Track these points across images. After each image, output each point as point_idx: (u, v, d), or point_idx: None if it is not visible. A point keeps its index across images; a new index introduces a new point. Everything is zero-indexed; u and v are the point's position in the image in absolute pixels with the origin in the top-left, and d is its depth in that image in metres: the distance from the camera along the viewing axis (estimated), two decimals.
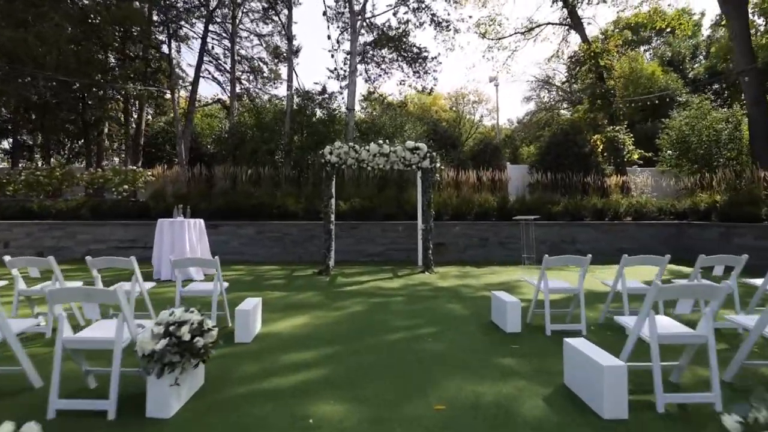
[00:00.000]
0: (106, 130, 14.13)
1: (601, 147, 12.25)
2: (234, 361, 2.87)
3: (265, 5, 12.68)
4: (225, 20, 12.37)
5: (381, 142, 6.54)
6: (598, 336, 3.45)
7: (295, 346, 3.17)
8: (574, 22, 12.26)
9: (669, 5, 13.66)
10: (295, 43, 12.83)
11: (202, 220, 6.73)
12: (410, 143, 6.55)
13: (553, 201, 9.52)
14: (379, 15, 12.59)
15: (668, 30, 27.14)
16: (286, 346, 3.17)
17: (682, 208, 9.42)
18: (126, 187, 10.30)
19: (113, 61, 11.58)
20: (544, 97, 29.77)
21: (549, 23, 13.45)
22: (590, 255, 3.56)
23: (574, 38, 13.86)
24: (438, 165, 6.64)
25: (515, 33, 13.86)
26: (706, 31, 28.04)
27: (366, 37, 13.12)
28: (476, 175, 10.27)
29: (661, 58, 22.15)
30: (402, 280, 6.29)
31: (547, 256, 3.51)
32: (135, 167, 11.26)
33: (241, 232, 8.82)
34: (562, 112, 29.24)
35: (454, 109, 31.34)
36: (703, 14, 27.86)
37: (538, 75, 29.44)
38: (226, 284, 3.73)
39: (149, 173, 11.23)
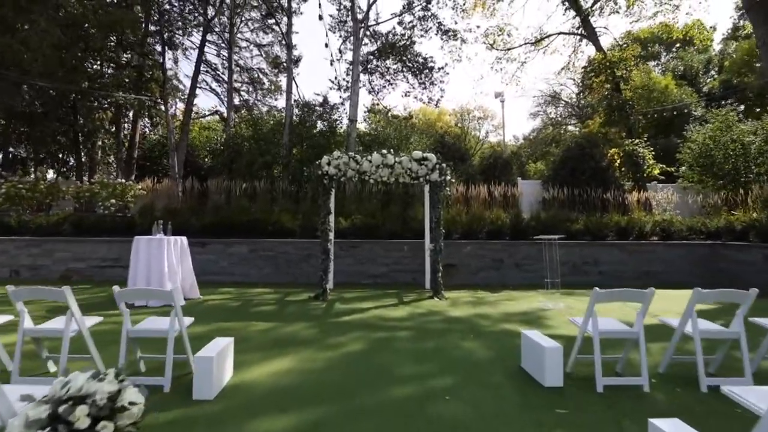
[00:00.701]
0: (99, 143, 13.73)
1: (618, 161, 11.59)
2: (184, 430, 2.14)
3: (264, 13, 12.41)
4: (224, 30, 12.10)
5: (385, 152, 5.91)
6: (667, 394, 2.68)
7: (270, 407, 2.44)
8: (588, 32, 11.84)
9: (687, 13, 13.23)
10: (295, 52, 12.51)
11: (184, 238, 6.07)
12: (417, 153, 5.92)
13: (571, 218, 8.79)
14: (383, 23, 12.31)
15: (678, 45, 26.91)
16: (258, 407, 2.44)
17: (714, 227, 8.64)
18: (114, 201, 9.73)
19: (103, 68, 11.21)
20: (551, 113, 29.46)
21: (561, 33, 13.06)
22: (652, 288, 2.82)
23: (587, 49, 13.49)
24: (448, 178, 5.99)
25: (525, 43, 13.47)
26: (717, 46, 27.80)
27: (370, 47, 12.77)
28: (487, 191, 9.60)
29: (672, 72, 21.72)
30: (408, 308, 5.54)
31: (596, 289, 2.78)
32: (125, 180, 10.73)
33: (232, 250, 8.15)
34: (569, 128, 28.86)
35: (459, 125, 31.06)
36: (714, 28, 27.65)
37: (545, 90, 29.25)
38: (189, 320, 3.01)
39: (139, 187, 10.71)
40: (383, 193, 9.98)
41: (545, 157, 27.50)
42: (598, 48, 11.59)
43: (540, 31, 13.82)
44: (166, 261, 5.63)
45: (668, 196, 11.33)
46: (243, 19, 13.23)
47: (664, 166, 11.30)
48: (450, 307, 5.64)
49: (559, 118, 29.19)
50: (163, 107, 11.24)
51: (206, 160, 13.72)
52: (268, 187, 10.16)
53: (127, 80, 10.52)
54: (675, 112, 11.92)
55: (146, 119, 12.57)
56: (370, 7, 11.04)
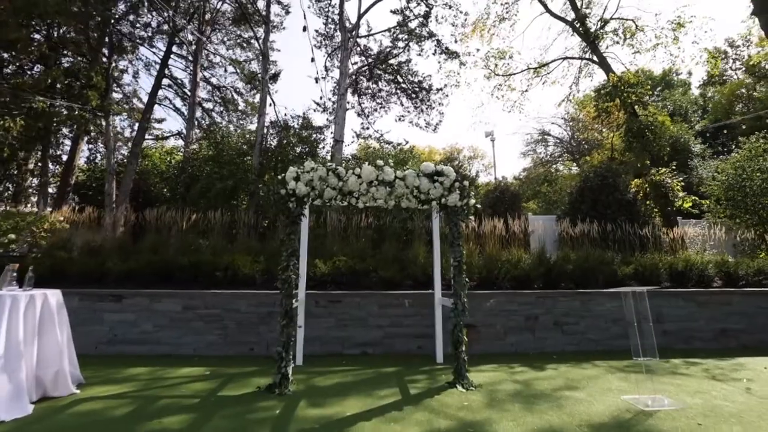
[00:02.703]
0: (31, 165, 11.46)
1: (641, 193, 10.10)
2: None
3: (236, 15, 10.95)
4: (191, 43, 10.55)
5: (381, 162, 3.99)
6: None
7: None
8: (597, 56, 10.88)
9: (693, 42, 12.61)
10: (272, 68, 10.93)
11: (58, 293, 3.80)
12: (428, 165, 4.02)
13: (613, 260, 6.91)
14: (375, 34, 11.09)
15: (660, 88, 27.40)
16: None
17: None
18: (13, 236, 7.33)
19: (23, 65, 9.22)
20: (540, 152, 29.08)
21: (566, 58, 12.15)
22: None
23: (592, 78, 12.61)
24: (472, 202, 4.05)
25: (527, 68, 12.45)
26: (696, 90, 28.56)
27: (360, 64, 11.37)
28: (505, 226, 7.74)
29: (663, 110, 21.56)
30: (420, 412, 3.33)
31: None
32: (43, 211, 8.40)
33: (160, 307, 5.81)
34: (560, 167, 28.35)
35: (448, 165, 30.26)
36: (690, 73, 28.55)
37: (537, 127, 29.03)
38: None
39: (61, 218, 8.39)
40: (375, 229, 7.97)
41: (537, 197, 26.49)
42: (609, 72, 10.58)
43: (541, 58, 12.95)
44: (21, 333, 3.32)
45: (700, 231, 9.78)
46: (214, 26, 11.75)
47: (696, 198, 9.88)
48: (487, 407, 3.47)
49: (549, 157, 28.76)
50: (104, 121, 9.20)
51: (164, 190, 11.51)
52: (228, 220, 8.01)
53: (58, 85, 8.58)
54: (670, 148, 10.91)
55: (69, 128, 10.37)
56: (360, 16, 9.74)
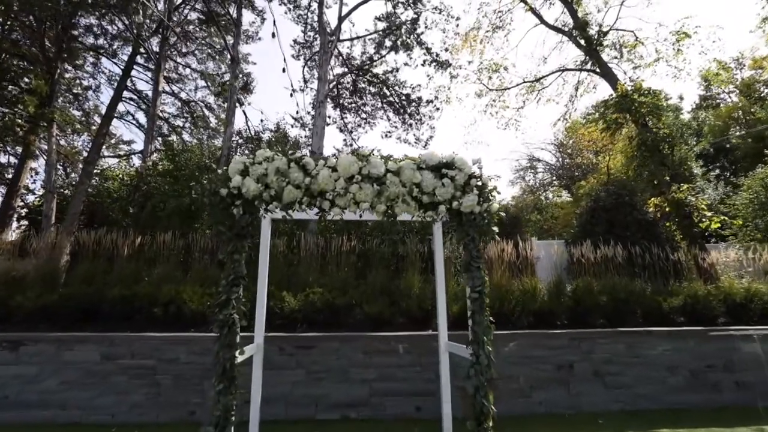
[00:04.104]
0: None
1: (660, 213, 9.19)
2: None
3: (203, 17, 10.12)
4: (156, 54, 9.58)
5: (366, 149, 2.89)
6: None
7: None
8: (601, 68, 10.34)
9: (700, 53, 12.22)
10: (245, 78, 10.02)
11: None
12: (432, 154, 2.92)
13: (643, 290, 5.78)
14: (358, 38, 10.37)
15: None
16: None
17: None
18: None
19: None
20: (529, 179, 28.82)
21: (565, 69, 11.59)
22: None
23: (584, 100, 12.08)
24: (496, 207, 2.93)
25: (523, 81, 11.84)
26: (687, 114, 28.98)
27: (342, 71, 10.58)
28: (515, 251, 6.62)
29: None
30: None
31: None
32: None
33: (70, 356, 4.44)
34: (549, 195, 27.98)
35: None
36: (681, 98, 29.02)
37: (527, 153, 28.89)
38: None
39: None
40: (358, 254, 6.76)
41: (527, 225, 25.87)
42: (615, 81, 10.01)
43: (537, 71, 12.44)
44: None
45: (729, 255, 8.82)
46: (184, 35, 10.90)
47: (725, 218, 9.00)
48: None
49: (539, 184, 28.51)
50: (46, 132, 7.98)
51: (113, 211, 10.16)
52: (181, 244, 6.71)
53: None
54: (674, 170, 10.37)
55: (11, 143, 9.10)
56: (341, 19, 8.98)
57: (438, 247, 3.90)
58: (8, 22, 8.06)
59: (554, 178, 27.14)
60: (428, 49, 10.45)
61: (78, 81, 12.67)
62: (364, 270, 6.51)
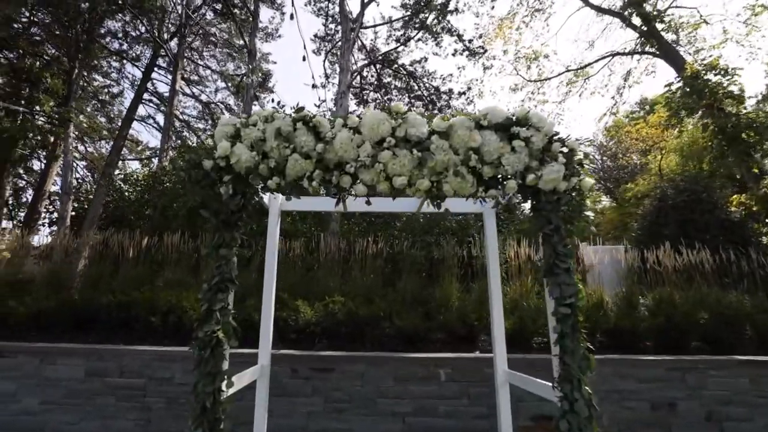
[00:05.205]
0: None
1: (744, 212, 7.84)
2: None
3: (219, 11, 9.77)
4: (175, 56, 9.33)
5: (403, 108, 2.07)
6: None
7: None
8: (661, 48, 9.07)
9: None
10: (263, 77, 9.58)
11: None
12: (497, 109, 2.09)
13: (746, 307, 4.60)
14: (382, 24, 9.69)
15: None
16: None
17: None
18: None
19: None
20: None
21: (615, 54, 10.30)
22: None
23: (634, 92, 10.78)
24: (591, 182, 2.05)
25: (567, 70, 10.75)
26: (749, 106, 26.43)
27: (365, 62, 9.96)
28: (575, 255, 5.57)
29: None
30: None
31: None
32: None
33: (52, 372, 3.87)
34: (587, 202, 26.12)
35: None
36: (742, 90, 26.54)
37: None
38: None
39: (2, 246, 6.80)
40: (386, 258, 5.96)
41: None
42: (679, 62, 8.74)
43: (581, 60, 11.31)
44: None
45: None
46: (205, 38, 10.70)
47: None
48: None
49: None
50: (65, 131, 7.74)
51: (131, 212, 9.93)
52: (190, 246, 6.15)
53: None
54: None
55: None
56: (365, 5, 8.32)
57: (491, 243, 3.02)
58: (25, 20, 8.00)
59: (595, 181, 25.32)
60: (459, 36, 9.64)
61: (107, 89, 12.82)
62: (392, 276, 5.70)
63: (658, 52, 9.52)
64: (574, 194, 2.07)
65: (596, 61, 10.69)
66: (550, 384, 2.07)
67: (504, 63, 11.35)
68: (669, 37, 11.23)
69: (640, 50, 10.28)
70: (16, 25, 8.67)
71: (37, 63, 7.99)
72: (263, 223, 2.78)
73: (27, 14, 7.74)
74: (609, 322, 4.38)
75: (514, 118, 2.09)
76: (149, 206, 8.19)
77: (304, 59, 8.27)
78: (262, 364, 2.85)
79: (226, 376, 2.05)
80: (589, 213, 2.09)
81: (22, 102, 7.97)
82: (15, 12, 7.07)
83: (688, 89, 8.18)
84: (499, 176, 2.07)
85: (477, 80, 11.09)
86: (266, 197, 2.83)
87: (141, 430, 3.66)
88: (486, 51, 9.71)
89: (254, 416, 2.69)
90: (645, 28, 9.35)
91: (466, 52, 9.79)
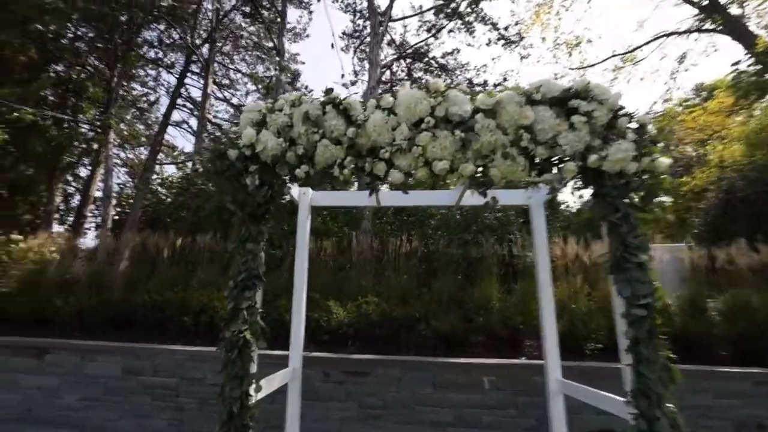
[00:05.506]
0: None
1: None
2: None
3: (247, 10, 9.91)
4: (206, 61, 9.63)
5: (442, 85, 1.86)
6: None
7: None
8: (728, 25, 8.20)
9: None
10: (291, 75, 9.65)
11: None
12: (548, 81, 1.85)
13: None
14: (412, 16, 9.50)
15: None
16: None
17: None
18: None
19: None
20: None
21: (669, 33, 9.46)
22: None
23: (690, 75, 9.75)
24: (667, 163, 1.75)
25: (613, 55, 10.05)
26: None
27: (394, 56, 9.81)
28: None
29: None
30: None
31: None
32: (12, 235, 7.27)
33: (92, 369, 3.97)
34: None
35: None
36: None
37: None
38: None
39: (38, 242, 7.20)
40: (420, 257, 5.74)
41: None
42: (748, 38, 7.88)
43: (629, 44, 10.52)
44: None
45: None
46: (235, 42, 10.97)
47: None
48: None
49: None
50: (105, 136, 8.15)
51: (168, 214, 10.32)
52: (223, 246, 6.23)
53: (49, 96, 7.80)
54: None
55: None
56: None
57: (539, 239, 2.73)
58: (71, 35, 8.51)
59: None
60: (494, 25, 9.25)
61: (144, 98, 13.52)
62: (427, 276, 5.47)
63: (721, 28, 8.65)
64: (645, 177, 1.78)
65: (647, 43, 9.90)
66: (619, 398, 1.79)
67: (542, 51, 10.80)
68: (733, 11, 10.25)
69: (697, 28, 9.40)
70: (63, 41, 9.27)
71: (81, 74, 8.52)
72: (293, 222, 2.66)
73: (72, 29, 8.26)
74: (674, 327, 3.93)
75: (572, 90, 1.83)
76: (183, 208, 8.45)
77: (332, 46, 8.23)
78: (294, 367, 2.72)
79: (254, 380, 1.94)
80: (666, 198, 1.78)
81: (68, 111, 8.49)
82: (61, 27, 7.57)
83: (760, 66, 7.35)
84: (555, 159, 1.82)
85: (513, 71, 10.62)
86: (296, 193, 2.70)
87: (175, 430, 3.67)
88: (522, 39, 9.28)
89: (286, 419, 2.57)
90: (706, 2, 8.52)
91: (502, 41, 9.39)
